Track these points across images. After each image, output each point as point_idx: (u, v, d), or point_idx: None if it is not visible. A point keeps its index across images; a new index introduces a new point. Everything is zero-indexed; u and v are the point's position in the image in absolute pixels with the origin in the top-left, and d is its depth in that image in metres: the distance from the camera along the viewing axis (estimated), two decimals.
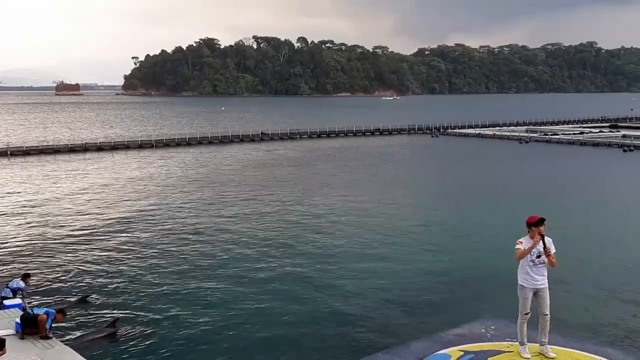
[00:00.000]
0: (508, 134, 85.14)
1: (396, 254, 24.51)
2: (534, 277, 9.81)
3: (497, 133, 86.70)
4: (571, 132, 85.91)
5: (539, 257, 9.71)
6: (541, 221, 9.76)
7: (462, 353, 9.98)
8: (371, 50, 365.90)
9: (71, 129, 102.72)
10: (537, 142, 77.20)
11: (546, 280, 9.86)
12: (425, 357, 9.96)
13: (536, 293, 9.83)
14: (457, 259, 23.78)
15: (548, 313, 9.85)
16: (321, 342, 16.06)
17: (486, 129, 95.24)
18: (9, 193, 39.46)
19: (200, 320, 17.47)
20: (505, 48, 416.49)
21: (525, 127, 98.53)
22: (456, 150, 70.99)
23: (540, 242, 9.69)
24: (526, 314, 9.84)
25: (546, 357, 9.77)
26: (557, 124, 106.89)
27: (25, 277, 17.24)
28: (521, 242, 9.80)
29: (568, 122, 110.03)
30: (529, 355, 9.78)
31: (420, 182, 47.24)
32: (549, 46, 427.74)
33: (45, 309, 14.42)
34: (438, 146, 75.63)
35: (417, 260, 23.71)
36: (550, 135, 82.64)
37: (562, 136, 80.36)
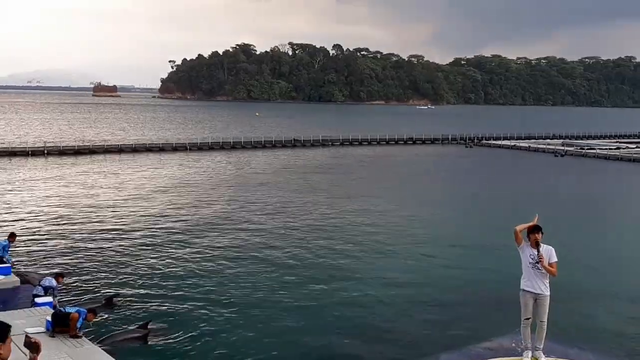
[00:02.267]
0: (543, 146, 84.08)
1: (424, 266, 24.29)
2: (535, 283, 9.99)
3: (532, 145, 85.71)
4: (608, 147, 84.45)
5: (537, 263, 9.80)
6: (536, 229, 9.91)
7: None
8: (406, 59, 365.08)
9: (107, 129, 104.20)
10: (572, 156, 76.08)
11: (547, 289, 10.01)
12: None
13: (536, 300, 9.98)
14: (487, 272, 23.44)
15: (545, 320, 10.00)
16: (347, 355, 15.93)
17: (521, 141, 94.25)
18: (44, 191, 40.11)
19: (232, 323, 17.41)
20: (542, 60, 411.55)
21: (561, 140, 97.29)
22: (490, 162, 70.33)
23: (535, 250, 9.85)
24: (527, 319, 10.06)
25: None
26: (593, 138, 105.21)
27: (58, 276, 17.43)
28: (522, 242, 10.08)
29: (605, 137, 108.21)
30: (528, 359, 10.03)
31: (451, 193, 46.83)
32: (586, 59, 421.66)
33: (77, 308, 14.56)
34: (472, 157, 74.96)
35: (447, 273, 23.47)
36: (587, 149, 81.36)
37: (598, 151, 79.04)
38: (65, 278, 18.22)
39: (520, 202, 40.82)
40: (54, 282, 16.98)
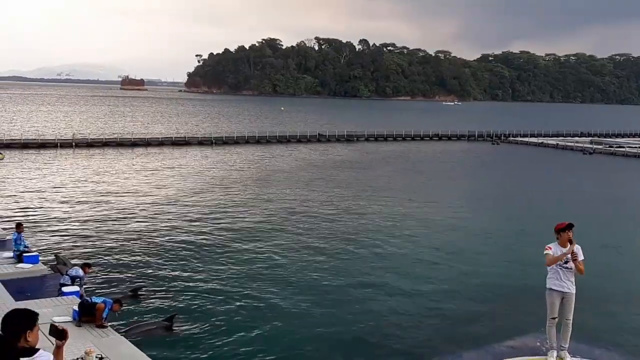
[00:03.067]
0: (572, 144, 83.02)
1: (448, 264, 24.13)
2: (562, 282, 9.93)
3: (560, 143, 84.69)
4: (638, 145, 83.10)
5: (566, 262, 9.75)
6: (570, 226, 9.89)
7: None
8: (433, 55, 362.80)
9: (135, 123, 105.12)
10: (601, 154, 75.06)
11: (574, 287, 9.96)
12: None
13: (563, 298, 9.94)
14: (511, 271, 23.28)
15: (571, 319, 9.96)
16: (371, 349, 15.93)
17: (549, 138, 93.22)
18: (71, 183, 40.61)
19: (255, 320, 17.42)
20: (571, 57, 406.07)
21: (590, 138, 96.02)
22: (517, 159, 69.66)
23: (569, 247, 9.73)
24: (553, 318, 9.99)
25: None
26: (623, 136, 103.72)
27: (85, 266, 17.62)
28: (549, 248, 10.03)
29: (635, 135, 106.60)
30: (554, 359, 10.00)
31: (476, 191, 46.48)
32: (617, 56, 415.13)
33: (103, 298, 14.73)
34: (498, 154, 74.37)
35: (470, 271, 23.29)
36: (616, 147, 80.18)
37: (627, 149, 77.85)
38: (91, 268, 18.40)
39: (547, 201, 40.42)
40: (80, 272, 17.19)
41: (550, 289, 10.02)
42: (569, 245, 9.82)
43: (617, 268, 23.70)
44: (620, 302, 20.09)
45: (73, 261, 20.97)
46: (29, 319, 4.84)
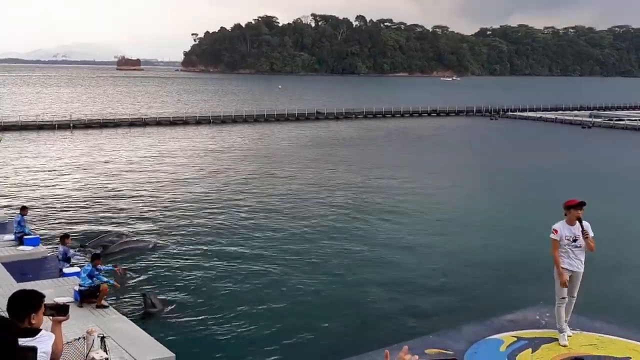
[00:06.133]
0: (570, 118, 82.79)
1: (449, 238, 24.24)
2: (572, 261, 9.76)
3: (559, 117, 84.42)
4: (637, 118, 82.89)
5: (575, 240, 9.62)
6: (581, 204, 9.67)
7: (515, 339, 9.81)
8: (430, 30, 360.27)
9: (132, 103, 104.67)
10: (600, 127, 74.90)
11: (583, 265, 9.80)
12: (477, 341, 9.81)
13: (571, 276, 9.78)
14: (512, 245, 23.38)
15: (575, 295, 9.85)
16: (373, 323, 16.03)
17: (548, 112, 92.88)
18: (70, 164, 40.56)
19: (259, 303, 17.40)
20: (570, 29, 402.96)
21: (589, 111, 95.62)
22: (515, 134, 69.52)
23: (578, 224, 9.60)
24: (563, 298, 9.82)
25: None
26: (622, 109, 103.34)
27: (64, 239, 17.28)
28: (556, 231, 9.78)
29: (634, 108, 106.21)
30: (566, 343, 9.66)
31: (475, 166, 46.45)
32: (616, 28, 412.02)
33: (84, 268, 14.44)
34: (496, 129, 74.18)
35: (471, 245, 23.40)
36: (615, 120, 79.94)
37: (627, 122, 77.64)
38: (70, 238, 18.00)
39: (546, 176, 40.39)
40: (61, 247, 17.02)
41: (561, 268, 9.87)
42: (577, 223, 9.67)
43: (618, 241, 23.73)
44: (621, 274, 20.19)
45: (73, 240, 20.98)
46: (35, 299, 4.81)
